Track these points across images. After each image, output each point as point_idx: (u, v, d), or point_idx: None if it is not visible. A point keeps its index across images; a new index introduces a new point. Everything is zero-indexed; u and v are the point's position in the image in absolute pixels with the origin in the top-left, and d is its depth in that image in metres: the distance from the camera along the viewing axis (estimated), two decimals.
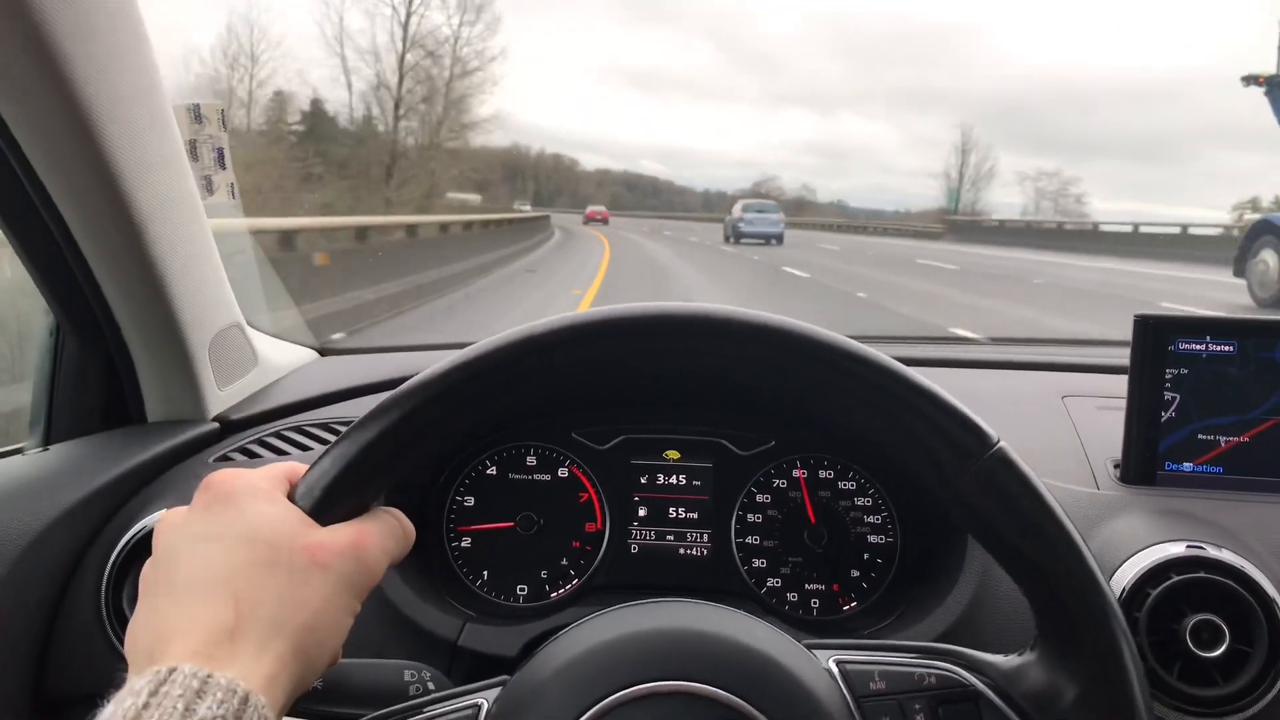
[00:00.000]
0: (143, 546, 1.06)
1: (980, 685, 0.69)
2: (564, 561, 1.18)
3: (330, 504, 0.64)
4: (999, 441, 0.66)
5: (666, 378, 0.70)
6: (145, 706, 0.49)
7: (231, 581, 0.57)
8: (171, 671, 0.51)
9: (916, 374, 0.66)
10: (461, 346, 0.67)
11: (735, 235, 36.93)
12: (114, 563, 1.06)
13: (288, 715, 0.58)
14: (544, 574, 1.18)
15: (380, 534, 0.65)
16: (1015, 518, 0.65)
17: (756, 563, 1.18)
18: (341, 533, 0.62)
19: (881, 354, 0.67)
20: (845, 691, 0.68)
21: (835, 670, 0.69)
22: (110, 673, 1.01)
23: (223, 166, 1.21)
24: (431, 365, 0.66)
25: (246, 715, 0.51)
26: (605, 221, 68.04)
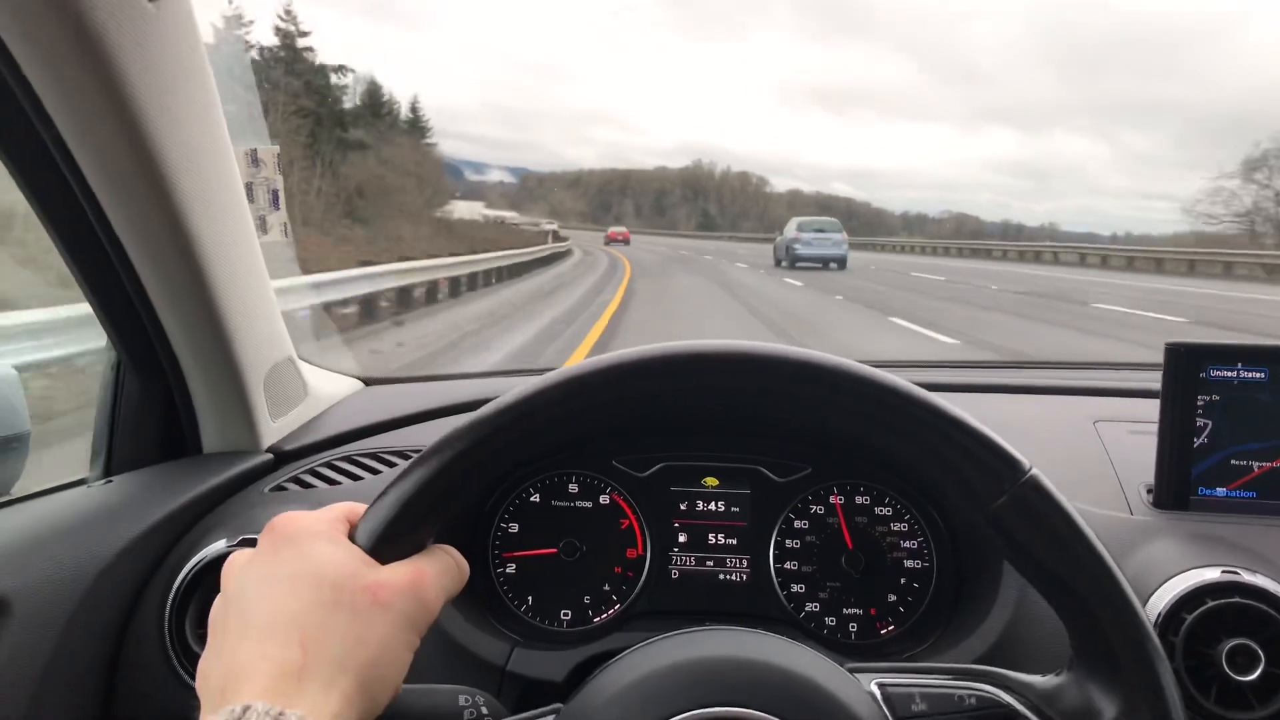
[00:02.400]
0: (203, 575, 1.10)
1: (1019, 705, 0.71)
2: (606, 587, 1.21)
3: (389, 544, 0.66)
4: (1031, 469, 0.68)
5: (705, 408, 0.73)
6: None
7: (298, 621, 0.59)
8: (246, 709, 0.54)
9: (949, 404, 0.69)
10: (504, 374, 0.70)
11: (790, 259, 31.54)
12: (176, 591, 1.09)
13: None
14: (587, 599, 1.20)
15: (437, 572, 0.68)
16: (1049, 543, 0.67)
17: (795, 588, 1.20)
18: (401, 571, 0.65)
19: (914, 385, 0.69)
20: (887, 713, 0.70)
21: (877, 693, 0.71)
22: (173, 700, 1.05)
23: (277, 207, 1.26)
24: (478, 395, 0.69)
25: None
26: (626, 242, 68.11)
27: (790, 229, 33.57)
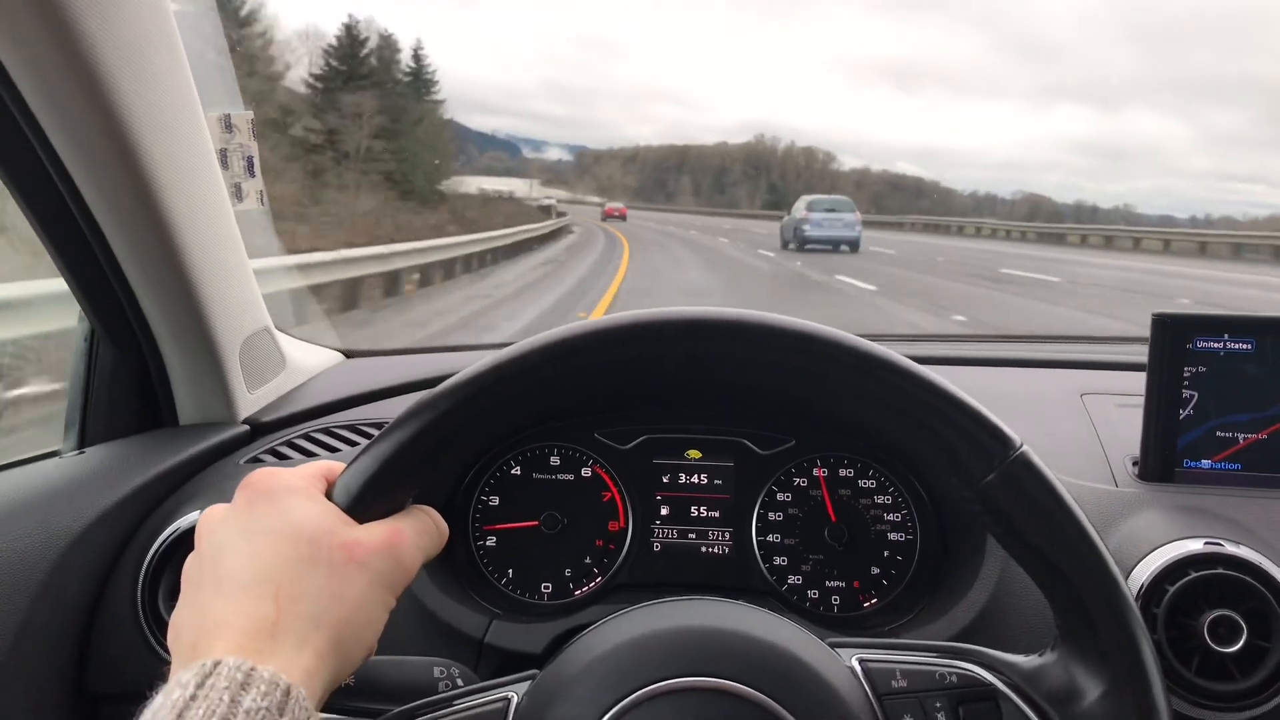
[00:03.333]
0: (176, 547, 1.09)
1: (1000, 685, 0.70)
2: (588, 560, 1.20)
3: (367, 502, 0.65)
4: (1022, 445, 0.67)
5: (688, 379, 0.71)
6: (193, 698, 0.51)
7: (273, 577, 0.59)
8: (217, 664, 0.53)
9: (939, 378, 0.67)
10: (485, 348, 0.69)
11: (798, 240, 28.61)
12: (149, 563, 1.08)
13: (321, 711, 0.60)
14: (568, 572, 1.19)
15: (415, 531, 0.67)
16: (1037, 520, 0.66)
17: (778, 560, 1.19)
18: (378, 530, 0.64)
19: (904, 358, 0.68)
20: (868, 689, 0.69)
21: (858, 668, 0.71)
22: (146, 670, 1.04)
23: (252, 174, 1.24)
24: (461, 367, 0.68)
25: (289, 707, 0.53)
26: (623, 218, 67.53)
27: (799, 208, 30.94)
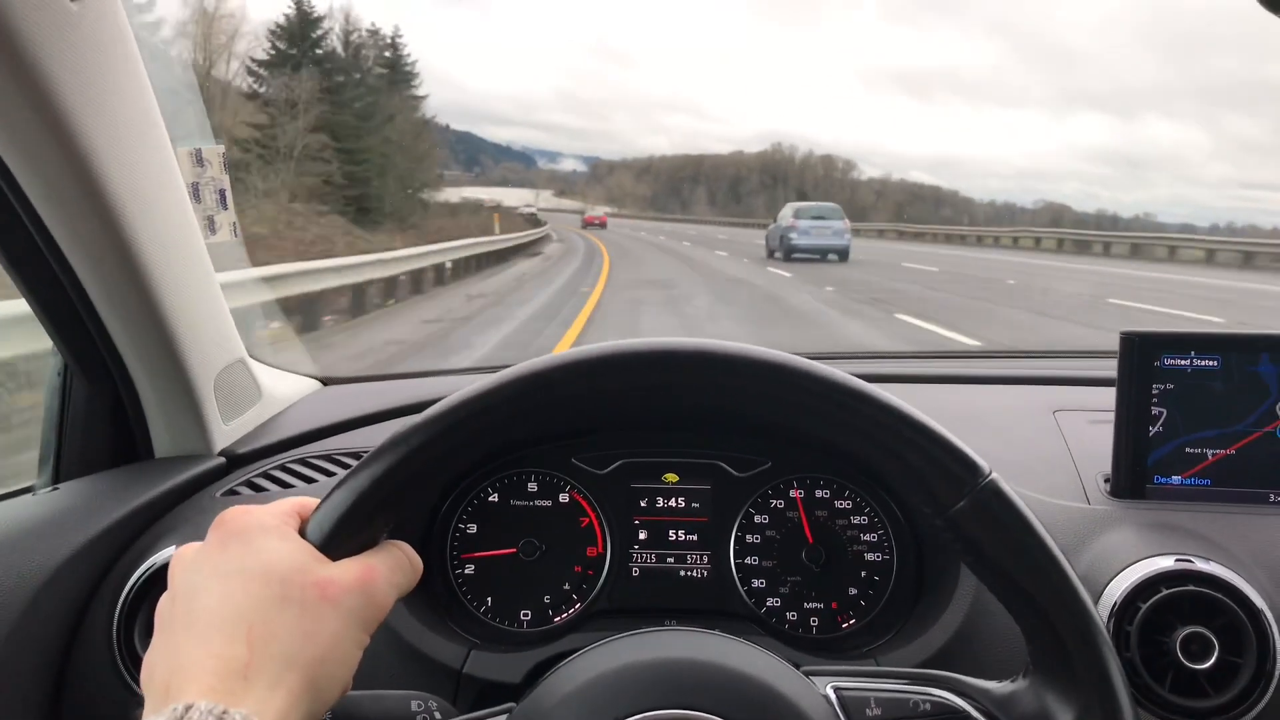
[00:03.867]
0: (153, 583, 1.08)
1: (973, 712, 0.70)
2: (566, 586, 1.20)
3: (339, 539, 0.65)
4: (991, 473, 0.68)
5: (667, 405, 0.72)
6: None
7: (245, 618, 0.59)
8: (189, 708, 0.53)
9: (908, 406, 0.68)
10: (463, 373, 0.69)
11: (785, 249, 27.11)
12: (125, 599, 1.08)
13: None
14: (547, 599, 1.19)
15: (388, 568, 0.67)
16: (1006, 547, 0.67)
17: (756, 583, 1.20)
18: (351, 568, 0.64)
19: (872, 386, 0.69)
20: (842, 718, 0.70)
21: (833, 697, 0.71)
22: (122, 709, 1.03)
23: (224, 207, 1.24)
24: (439, 394, 0.68)
25: None
26: (604, 226, 67.46)
27: (785, 215, 29.19)
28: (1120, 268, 26.63)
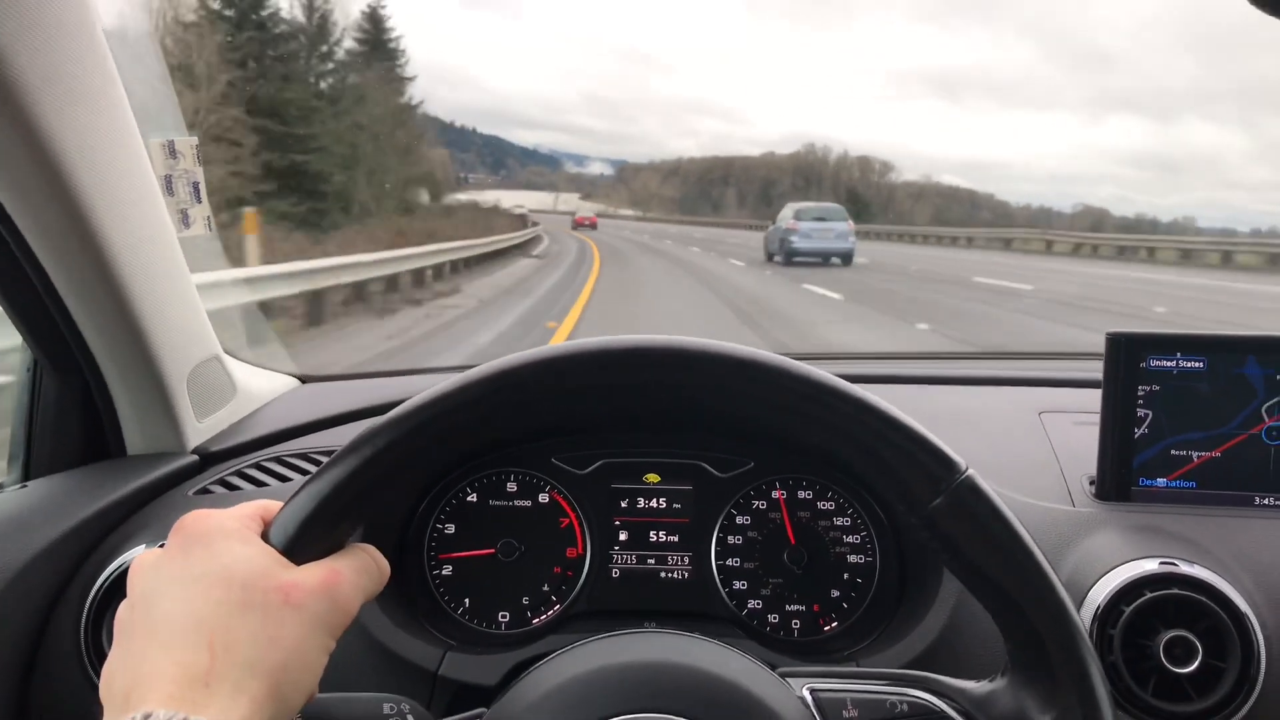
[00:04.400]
0: (122, 582, 1.06)
1: (951, 712, 0.70)
2: (545, 587, 1.18)
3: (303, 543, 0.64)
4: (968, 470, 0.67)
5: (644, 404, 0.71)
6: None
7: (206, 624, 0.57)
8: (148, 717, 0.51)
9: (883, 403, 0.67)
10: (442, 371, 0.68)
11: (785, 253, 25.36)
12: (94, 599, 1.06)
13: None
14: (526, 600, 1.18)
15: (354, 571, 0.65)
16: (984, 545, 0.66)
17: (737, 584, 1.18)
18: (315, 572, 0.63)
19: (846, 382, 0.68)
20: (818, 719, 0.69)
21: (809, 698, 0.70)
22: (90, 712, 1.01)
23: (199, 200, 1.22)
24: (416, 392, 0.67)
25: None
26: (594, 226, 67.91)
27: (785, 216, 27.19)
28: (1170, 274, 24.02)
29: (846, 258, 25.52)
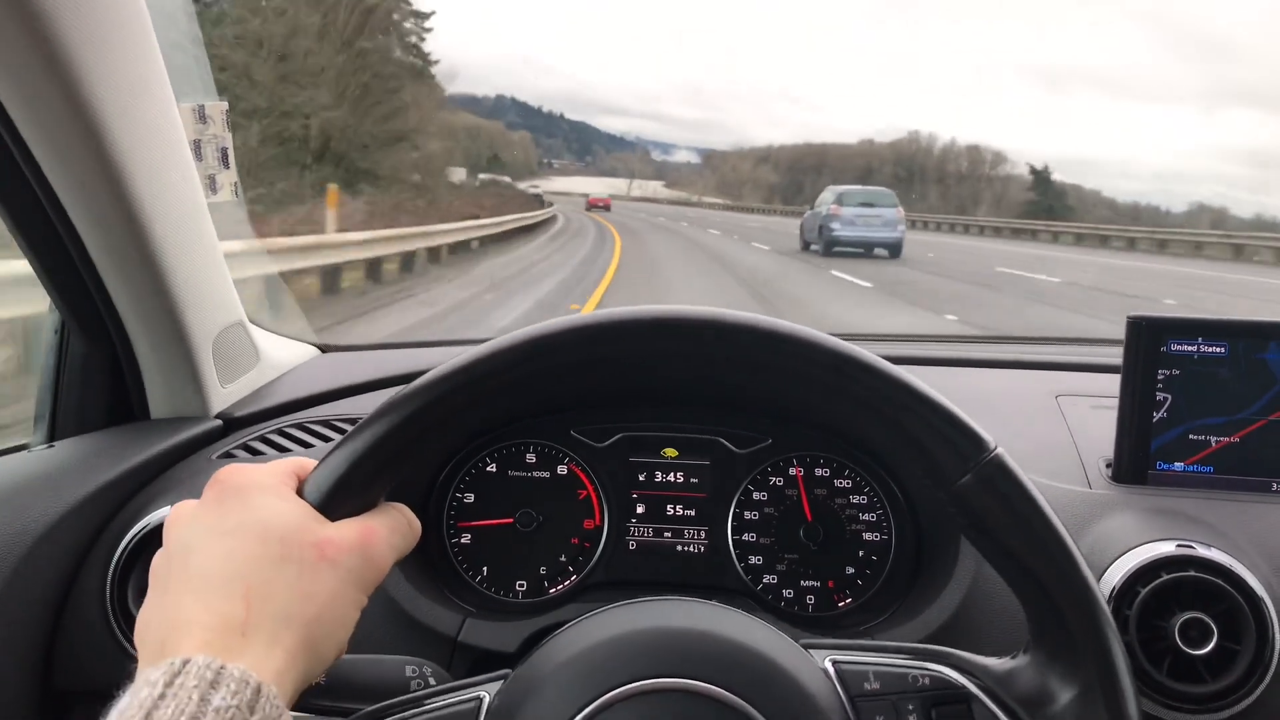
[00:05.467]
0: (147, 543, 1.08)
1: (972, 687, 0.70)
2: (563, 558, 1.19)
3: (338, 500, 0.65)
4: (996, 447, 0.67)
5: (665, 377, 0.71)
6: (161, 697, 0.50)
7: (243, 576, 0.58)
8: (186, 663, 0.52)
9: (916, 380, 0.67)
10: (462, 344, 0.68)
11: (824, 241, 22.66)
12: (119, 559, 1.07)
13: (292, 710, 0.59)
14: (543, 570, 1.19)
15: (387, 529, 0.66)
16: (1010, 523, 0.67)
17: (753, 559, 1.19)
18: (349, 528, 0.64)
19: (881, 359, 0.68)
20: (840, 691, 0.69)
21: (831, 670, 0.70)
22: (115, 668, 1.03)
23: (226, 166, 1.22)
24: (436, 363, 0.67)
25: (259, 706, 0.52)
26: (607, 208, 67.98)
27: (825, 200, 23.90)
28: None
29: (894, 249, 22.62)
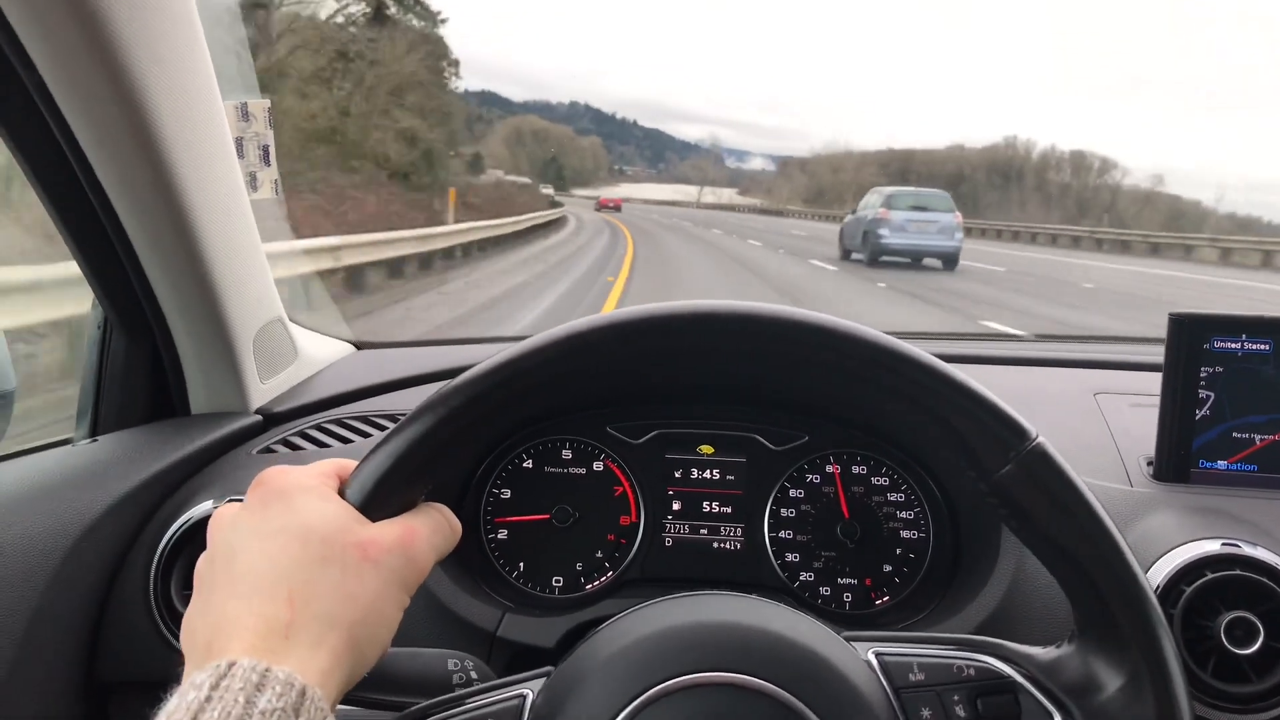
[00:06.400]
0: (189, 537, 1.09)
1: (1018, 676, 0.70)
2: (599, 554, 1.20)
3: (380, 501, 0.65)
4: (1038, 437, 0.67)
5: (702, 373, 0.71)
6: (208, 700, 0.51)
7: (287, 578, 0.58)
8: (231, 665, 0.53)
9: (955, 370, 0.67)
10: (497, 341, 0.68)
11: (871, 249, 20.00)
12: (162, 552, 1.08)
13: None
14: (579, 566, 1.19)
15: (428, 529, 0.66)
16: (1053, 511, 0.66)
17: (790, 557, 1.19)
18: (391, 529, 0.64)
19: (922, 351, 0.68)
20: (885, 683, 0.69)
21: (875, 662, 0.70)
22: (158, 660, 1.04)
23: (268, 163, 1.24)
24: (472, 360, 0.68)
25: (304, 708, 0.53)
26: (618, 209, 68.03)
27: (871, 204, 21.27)
28: None
29: (950, 260, 19.85)
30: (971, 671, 0.70)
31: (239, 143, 1.20)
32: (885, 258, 19.69)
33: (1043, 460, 0.66)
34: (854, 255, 21.13)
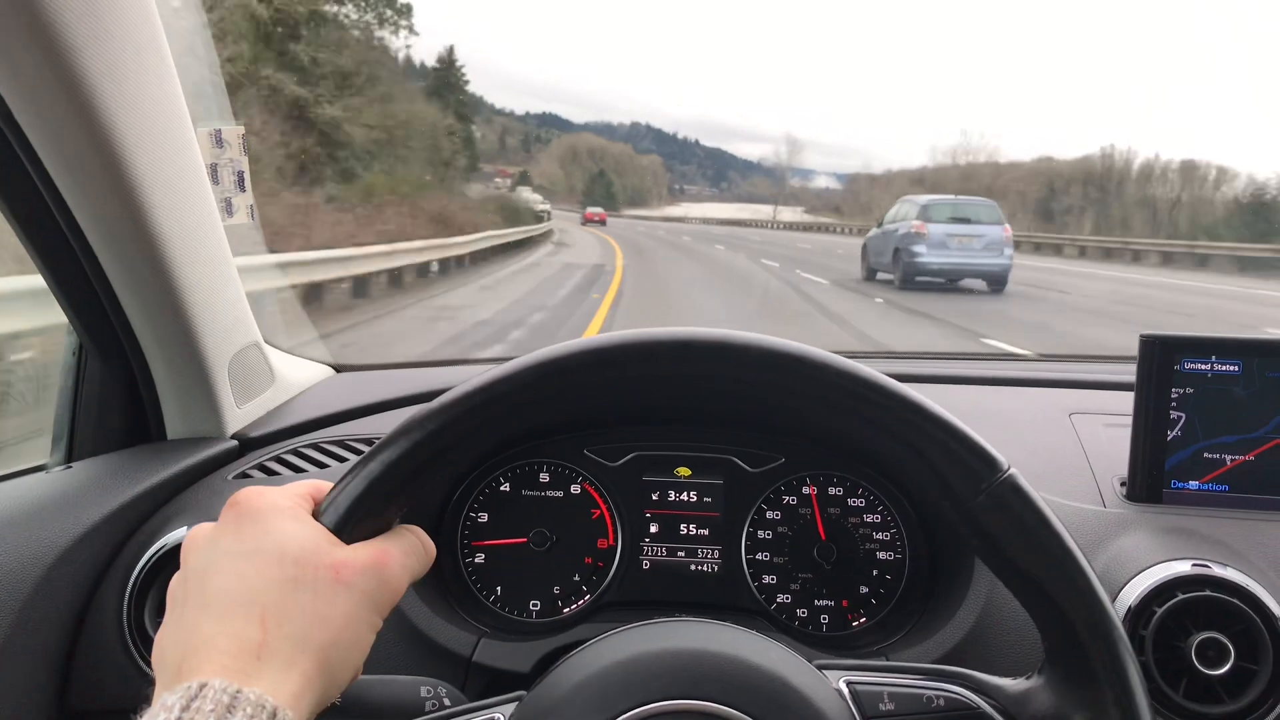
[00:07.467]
0: (164, 563, 1.08)
1: (988, 708, 0.70)
2: (576, 577, 1.19)
3: (354, 522, 0.65)
4: (1010, 469, 0.67)
5: (678, 396, 0.71)
6: None
7: (259, 599, 0.58)
8: (203, 687, 0.52)
9: (927, 400, 0.68)
10: (476, 363, 0.69)
11: (903, 268, 16.58)
12: (136, 579, 1.08)
13: None
14: (557, 590, 1.19)
15: (402, 552, 0.66)
16: (1024, 543, 0.67)
17: (767, 579, 1.19)
18: (364, 551, 0.64)
19: (891, 379, 0.68)
20: (855, 712, 0.69)
21: (845, 691, 0.70)
22: (131, 688, 1.04)
23: (243, 189, 1.24)
24: (451, 383, 0.68)
25: None
26: (603, 223, 68.11)
27: (904, 214, 17.72)
28: None
29: (998, 280, 16.59)
30: (941, 702, 0.70)
31: (213, 169, 1.20)
32: (921, 278, 16.53)
33: (1014, 492, 0.67)
34: (879, 275, 18.10)
